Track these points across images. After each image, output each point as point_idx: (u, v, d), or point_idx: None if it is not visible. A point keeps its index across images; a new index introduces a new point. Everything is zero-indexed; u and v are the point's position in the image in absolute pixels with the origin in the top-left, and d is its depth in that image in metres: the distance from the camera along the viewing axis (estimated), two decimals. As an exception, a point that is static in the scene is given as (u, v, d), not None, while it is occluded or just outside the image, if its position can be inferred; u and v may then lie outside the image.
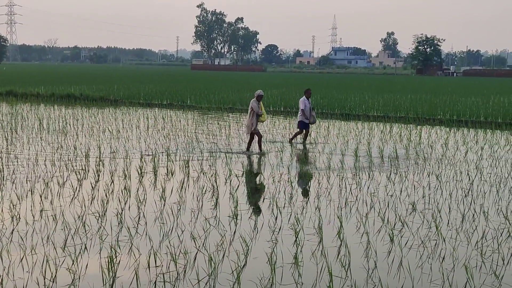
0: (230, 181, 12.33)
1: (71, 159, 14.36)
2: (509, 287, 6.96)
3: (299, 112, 18.72)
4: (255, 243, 8.41)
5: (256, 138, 16.60)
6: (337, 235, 8.62)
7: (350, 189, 11.92)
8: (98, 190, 11.25)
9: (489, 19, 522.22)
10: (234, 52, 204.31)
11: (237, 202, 10.18)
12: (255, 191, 11.52)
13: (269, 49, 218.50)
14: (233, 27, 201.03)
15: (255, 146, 16.69)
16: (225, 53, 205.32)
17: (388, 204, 10.75)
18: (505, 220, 9.64)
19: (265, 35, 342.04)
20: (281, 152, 16.26)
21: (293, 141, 18.59)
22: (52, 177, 12.26)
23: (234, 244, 8.28)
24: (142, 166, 13.21)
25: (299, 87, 49.19)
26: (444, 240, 8.57)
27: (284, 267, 7.45)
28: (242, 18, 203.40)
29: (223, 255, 7.83)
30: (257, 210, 10.11)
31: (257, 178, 12.54)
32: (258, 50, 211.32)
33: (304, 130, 18.72)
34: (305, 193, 11.60)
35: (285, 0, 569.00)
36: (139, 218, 9.47)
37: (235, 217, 9.51)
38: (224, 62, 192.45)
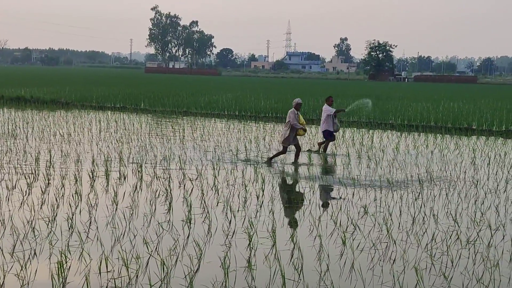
0: (184, 185, 12.25)
1: (21, 162, 14.05)
2: (458, 288, 7.10)
3: (322, 121, 17.97)
4: (209, 247, 8.37)
5: (295, 150, 15.86)
6: (291, 238, 8.65)
7: (304, 192, 11.99)
8: (48, 195, 11.02)
9: (439, 26, 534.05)
10: (189, 56, 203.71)
11: (190, 206, 10.11)
12: (209, 195, 11.46)
13: (224, 53, 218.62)
14: (187, 30, 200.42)
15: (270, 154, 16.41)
16: (180, 56, 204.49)
17: (341, 207, 10.85)
18: (454, 223, 9.84)
19: (220, 39, 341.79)
20: (235, 156, 16.25)
21: (325, 151, 17.84)
22: (0, 181, 11.97)
23: (187, 248, 8.23)
24: (93, 170, 13.02)
25: (254, 91, 49.33)
26: (395, 243, 8.70)
27: (237, 271, 7.43)
28: (197, 22, 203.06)
29: (176, 259, 7.77)
30: (211, 214, 10.06)
31: (212, 182, 12.49)
32: (213, 53, 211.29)
33: (331, 139, 18.04)
34: (259, 197, 11.60)
35: (240, 4, 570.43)
36: (90, 222, 9.31)
37: (188, 221, 9.45)
38: (178, 65, 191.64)
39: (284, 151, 15.75)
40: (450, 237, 9.06)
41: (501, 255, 8.28)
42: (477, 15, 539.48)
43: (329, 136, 17.96)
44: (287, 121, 15.67)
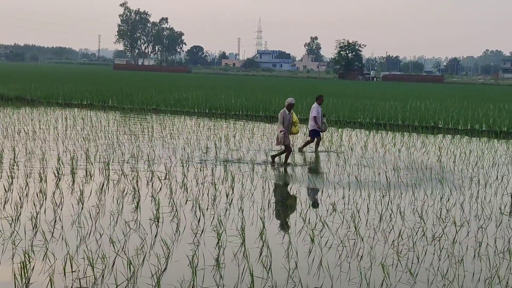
0: (152, 184, 12.16)
1: (-15, 161, 13.78)
2: (423, 284, 7.18)
3: (310, 120, 17.98)
4: (177, 246, 8.32)
5: (286, 150, 15.54)
6: (260, 236, 8.65)
7: (274, 190, 12.01)
8: (12, 193, 10.84)
9: (408, 26, 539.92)
10: (159, 53, 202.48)
11: (159, 204, 10.03)
12: (178, 193, 11.40)
13: (194, 50, 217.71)
14: (157, 27, 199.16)
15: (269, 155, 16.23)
16: (149, 53, 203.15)
17: (309, 205, 10.89)
18: (420, 220, 9.95)
19: (190, 36, 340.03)
20: (205, 154, 16.19)
21: (303, 149, 17.89)
22: (-37, 180, 11.73)
23: (155, 247, 8.17)
24: (59, 168, 12.84)
25: (224, 89, 49.25)
26: (363, 240, 8.76)
27: (205, 269, 7.40)
28: (166, 19, 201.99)
29: (143, 258, 7.70)
30: (179, 213, 10.00)
31: (181, 180, 12.42)
32: (183, 51, 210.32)
33: (315, 139, 18.06)
34: (229, 195, 11.56)
35: (211, 2, 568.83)
36: (55, 222, 9.18)
37: (156, 220, 9.39)
38: (148, 62, 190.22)
39: (288, 150, 15.47)
40: (416, 234, 9.16)
41: (466, 251, 8.39)
42: (444, 16, 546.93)
43: (314, 135, 18.01)
44: (279, 122, 15.47)
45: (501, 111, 33.21)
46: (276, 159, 15.63)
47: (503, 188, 13.05)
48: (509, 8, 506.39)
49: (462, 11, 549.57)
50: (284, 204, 10.92)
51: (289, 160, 15.43)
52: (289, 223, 9.58)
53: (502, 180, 13.96)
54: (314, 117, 17.90)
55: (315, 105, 18.19)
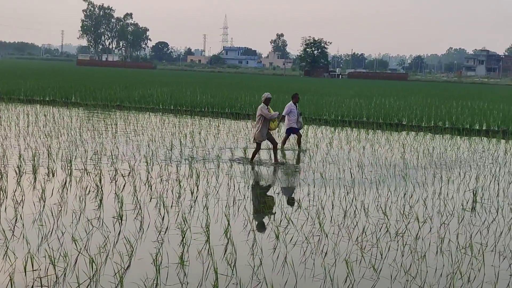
0: (116, 181, 12.03)
1: None
2: (386, 280, 7.24)
3: (286, 119, 17.73)
4: (141, 244, 8.24)
5: (272, 146, 15.30)
6: (224, 234, 8.62)
7: (239, 187, 11.98)
8: (-28, 191, 10.60)
9: (373, 24, 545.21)
10: (123, 48, 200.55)
11: (122, 202, 9.93)
12: (142, 191, 11.30)
13: (160, 47, 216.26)
14: (121, 22, 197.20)
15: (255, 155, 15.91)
16: (113, 49, 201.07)
17: (275, 201, 10.90)
18: (384, 216, 10.04)
19: (155, 32, 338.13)
20: (170, 151, 16.09)
21: (284, 146, 17.78)
22: None
23: (118, 245, 8.08)
24: (20, 166, 12.61)
25: (190, 85, 49.02)
26: (327, 236, 8.80)
27: (169, 267, 7.35)
28: (131, 14, 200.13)
29: (106, 257, 7.61)
30: (143, 210, 9.91)
31: (145, 178, 12.31)
32: (148, 47, 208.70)
33: (289, 135, 17.97)
34: (194, 192, 11.51)
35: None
36: (16, 220, 9.00)
37: (119, 218, 9.29)
38: (112, 58, 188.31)
39: (259, 148, 15.28)
40: (380, 230, 9.24)
41: (428, 247, 8.49)
42: (409, 14, 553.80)
43: (289, 132, 17.92)
44: (257, 117, 15.20)
45: (464, 109, 33.76)
46: (279, 156, 15.31)
47: (465, 184, 13.25)
48: (472, 7, 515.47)
49: (427, 10, 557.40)
50: (250, 201, 10.90)
51: (256, 158, 15.40)
52: (254, 220, 9.57)
53: (464, 176, 14.18)
54: (283, 115, 17.76)
55: (289, 103, 18.03)
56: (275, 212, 10.10)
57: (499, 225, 9.86)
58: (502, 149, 19.52)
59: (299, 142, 17.99)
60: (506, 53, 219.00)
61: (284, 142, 18.06)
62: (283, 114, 17.72)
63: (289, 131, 17.96)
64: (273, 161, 15.19)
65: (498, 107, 36.38)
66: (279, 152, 16.05)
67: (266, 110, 15.21)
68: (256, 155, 15.43)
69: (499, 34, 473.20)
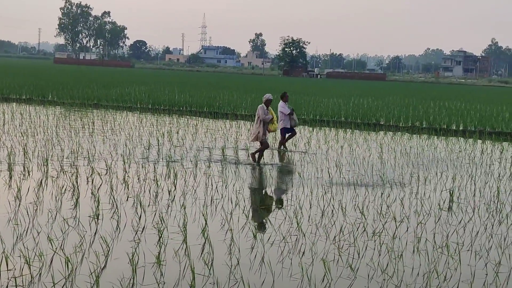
0: (92, 180, 11.92)
1: None
2: (363, 279, 7.26)
3: (280, 119, 17.52)
4: (117, 243, 8.18)
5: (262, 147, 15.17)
6: (202, 233, 8.58)
7: (216, 186, 11.95)
8: None
9: (351, 24, 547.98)
10: (101, 47, 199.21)
11: (98, 201, 9.84)
12: (119, 190, 11.21)
13: (138, 45, 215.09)
14: (99, 21, 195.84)
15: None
16: (91, 47, 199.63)
17: (253, 201, 10.88)
18: (361, 215, 10.08)
19: (133, 30, 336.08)
20: (147, 150, 15.99)
21: (281, 147, 17.70)
22: None
23: (94, 245, 8.00)
24: (-4, 164, 12.44)
25: (168, 84, 48.83)
26: (304, 235, 8.81)
27: (146, 267, 7.30)
28: (109, 12, 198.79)
29: (82, 256, 7.54)
30: (120, 210, 9.83)
31: (122, 177, 12.22)
32: (126, 45, 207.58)
33: (286, 136, 17.80)
34: (171, 192, 11.44)
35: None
36: (-9, 219, 8.88)
37: (96, 217, 9.20)
38: (89, 56, 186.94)
39: (264, 147, 15.12)
40: (357, 229, 9.27)
41: (405, 246, 8.54)
42: (387, 15, 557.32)
43: (286, 133, 17.77)
44: (256, 118, 15.02)
45: (441, 109, 34.06)
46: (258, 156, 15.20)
47: (442, 184, 13.36)
48: (450, 8, 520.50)
49: (405, 10, 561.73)
50: (227, 201, 10.87)
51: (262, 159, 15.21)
52: (232, 219, 9.54)
53: (441, 176, 14.30)
54: (283, 113, 17.64)
55: (282, 103, 17.84)
56: (253, 211, 10.08)
57: (475, 224, 9.95)
58: (478, 149, 19.72)
59: (284, 142, 17.78)
60: (483, 54, 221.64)
61: (282, 143, 17.80)
62: (288, 113, 17.53)
63: (284, 131, 17.76)
64: (251, 159, 15.14)
65: (475, 107, 36.78)
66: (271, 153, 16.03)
67: (265, 111, 15.02)
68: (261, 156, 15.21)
69: (476, 35, 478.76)
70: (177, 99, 32.54)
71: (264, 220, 9.51)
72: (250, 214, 9.86)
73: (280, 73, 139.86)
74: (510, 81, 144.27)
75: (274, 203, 10.71)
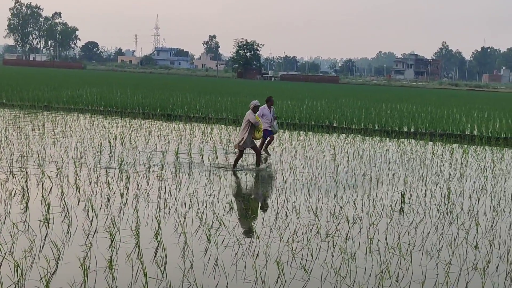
0: (43, 183, 11.67)
1: None
2: (317, 280, 7.30)
3: (263, 121, 16.82)
4: (68, 247, 8.02)
5: (255, 154, 14.88)
6: (155, 237, 8.50)
7: (170, 189, 11.85)
8: None
9: (305, 27, 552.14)
10: (51, 48, 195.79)
11: (49, 205, 9.64)
12: (70, 194, 11.00)
13: (89, 46, 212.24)
14: (50, 22, 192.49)
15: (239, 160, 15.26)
16: (42, 48, 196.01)
17: (207, 203, 10.83)
18: (315, 217, 10.14)
19: (85, 31, 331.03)
20: (99, 153, 15.76)
21: (268, 149, 17.41)
22: None
23: (45, 249, 7.83)
24: None
25: (120, 86, 48.27)
26: (258, 238, 8.81)
27: (97, 271, 7.18)
28: (60, 13, 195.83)
29: (32, 261, 7.36)
30: (71, 214, 9.65)
31: (73, 180, 12.00)
32: (77, 46, 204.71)
33: (266, 139, 17.23)
34: (124, 195, 11.29)
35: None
36: None
37: (46, 221, 9.01)
38: (40, 58, 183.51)
39: (241, 155, 14.87)
40: (311, 231, 9.32)
41: (358, 247, 8.62)
42: (340, 19, 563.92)
43: (266, 135, 17.19)
44: (245, 123, 14.75)
45: (393, 111, 34.60)
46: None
47: (394, 185, 13.56)
48: (400, 12, 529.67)
49: (357, 14, 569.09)
50: (181, 203, 10.79)
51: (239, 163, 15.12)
52: (185, 222, 9.47)
53: (393, 177, 14.51)
54: (265, 116, 17.13)
55: (263, 106, 17.27)
56: (207, 214, 10.03)
57: (426, 225, 10.12)
58: (429, 151, 20.10)
59: (266, 146, 17.48)
60: (434, 57, 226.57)
61: (263, 147, 17.40)
62: (261, 115, 16.94)
63: (267, 133, 17.22)
64: (257, 165, 15.01)
65: (426, 109, 37.51)
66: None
67: (253, 116, 14.80)
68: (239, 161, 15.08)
69: (427, 38, 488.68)
70: (130, 101, 32.21)
71: (217, 223, 9.46)
72: (204, 217, 9.80)
73: (234, 76, 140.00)
74: (460, 83, 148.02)
75: (228, 206, 10.67)
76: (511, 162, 17.98)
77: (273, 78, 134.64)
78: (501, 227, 10.21)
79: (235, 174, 14.14)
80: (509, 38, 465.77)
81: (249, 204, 10.92)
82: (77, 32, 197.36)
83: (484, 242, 9.19)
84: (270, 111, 17.40)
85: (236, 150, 15.40)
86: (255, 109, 15.12)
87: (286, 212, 10.46)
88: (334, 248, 8.55)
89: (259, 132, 15.09)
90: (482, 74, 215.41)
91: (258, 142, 16.23)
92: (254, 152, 15.43)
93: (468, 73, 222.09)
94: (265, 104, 17.46)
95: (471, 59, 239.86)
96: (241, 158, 15.23)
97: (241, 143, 14.71)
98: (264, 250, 8.27)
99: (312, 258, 8.06)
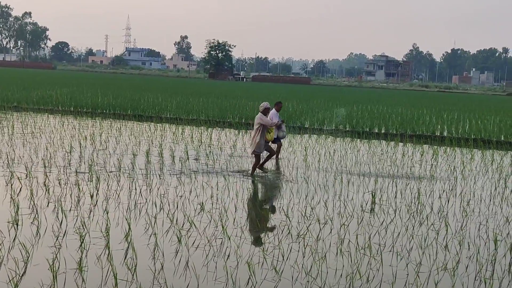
0: (11, 185, 11.50)
1: None
2: (288, 281, 7.31)
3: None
4: (37, 249, 7.92)
5: (269, 154, 14.53)
6: (125, 238, 8.43)
7: (140, 191, 11.77)
8: None
9: (276, 28, 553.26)
10: (21, 48, 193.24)
11: (18, 206, 9.51)
12: (39, 195, 10.86)
13: (60, 47, 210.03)
14: (20, 21, 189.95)
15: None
16: (11, 48, 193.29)
17: (177, 205, 10.78)
18: (286, 218, 10.16)
19: (55, 31, 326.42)
20: (69, 154, 15.58)
21: (279, 156, 17.05)
22: None
23: (13, 251, 7.72)
24: None
25: (91, 86, 47.83)
26: (230, 239, 8.79)
27: (67, 273, 7.10)
28: (30, 13, 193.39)
29: (0, 263, 7.25)
30: (40, 215, 9.52)
31: (42, 181, 11.84)
32: (47, 47, 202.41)
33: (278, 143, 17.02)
34: (94, 196, 11.18)
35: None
36: None
37: (15, 223, 8.88)
38: (10, 58, 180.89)
39: (258, 160, 14.42)
40: (282, 232, 9.33)
41: (329, 248, 8.66)
42: (311, 20, 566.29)
43: (276, 142, 16.99)
44: (256, 127, 14.30)
45: (364, 112, 34.85)
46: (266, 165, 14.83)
47: (364, 186, 13.64)
48: (372, 13, 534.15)
49: (329, 15, 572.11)
50: (151, 205, 10.72)
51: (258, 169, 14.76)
52: (156, 223, 9.42)
53: (363, 178, 14.61)
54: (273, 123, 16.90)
55: (273, 110, 16.87)
56: (177, 215, 9.98)
57: (396, 226, 10.20)
58: (399, 151, 20.29)
59: (277, 152, 17.15)
60: (405, 59, 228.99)
61: (279, 152, 17.21)
62: (277, 122, 16.34)
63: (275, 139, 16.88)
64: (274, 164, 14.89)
65: (397, 111, 37.86)
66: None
67: (264, 119, 14.45)
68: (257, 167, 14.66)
69: (397, 40, 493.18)
70: (100, 102, 31.93)
71: (189, 224, 9.42)
72: (175, 218, 9.75)
73: (205, 76, 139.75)
74: (431, 85, 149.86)
75: (199, 207, 10.63)
76: (480, 163, 18.24)
77: (244, 79, 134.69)
78: (471, 227, 10.35)
79: (253, 182, 13.81)
80: (479, 40, 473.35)
81: (220, 205, 10.89)
82: (47, 32, 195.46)
83: (454, 243, 9.31)
84: (278, 116, 16.95)
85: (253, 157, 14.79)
86: (265, 111, 14.61)
87: (258, 213, 10.45)
88: (305, 249, 8.57)
89: (271, 133, 14.80)
90: (452, 75, 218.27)
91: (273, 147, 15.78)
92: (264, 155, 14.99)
93: (439, 74, 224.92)
94: (274, 108, 17.02)
95: (442, 60, 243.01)
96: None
97: (255, 149, 14.28)
98: (235, 251, 8.26)
99: (283, 259, 8.08)
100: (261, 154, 14.52)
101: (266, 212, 10.53)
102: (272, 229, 9.46)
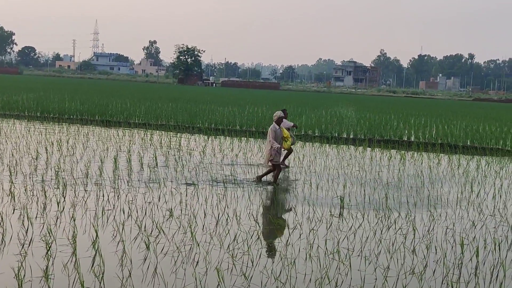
0: (-25, 192, 11.27)
1: None
2: (257, 287, 7.29)
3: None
4: (2, 257, 7.78)
5: (272, 169, 14.23)
6: (92, 245, 8.32)
7: (108, 197, 11.63)
8: None
9: (245, 33, 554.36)
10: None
11: (-19, 214, 9.32)
12: (4, 202, 10.66)
13: (26, 51, 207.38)
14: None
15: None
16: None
17: (146, 211, 10.69)
18: (255, 223, 10.14)
19: (21, 36, 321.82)
20: (35, 160, 15.35)
21: (285, 162, 16.88)
22: None
23: (-24, 260, 7.56)
24: None
25: (58, 91, 47.27)
26: (198, 245, 8.74)
27: (33, 281, 6.98)
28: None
29: (-38, 273, 7.09)
30: (5, 222, 9.34)
31: (8, 188, 11.63)
32: (13, 51, 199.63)
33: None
34: (60, 203, 11.01)
35: (44, 1, 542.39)
36: None
37: (-22, 231, 8.70)
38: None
39: (280, 168, 14.34)
40: (251, 237, 9.31)
41: (298, 253, 8.67)
42: (281, 25, 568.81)
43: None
44: (268, 139, 14.10)
45: (333, 118, 35.06)
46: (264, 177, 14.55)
47: (333, 191, 13.70)
48: (340, 19, 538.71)
49: (297, 21, 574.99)
50: (119, 211, 10.61)
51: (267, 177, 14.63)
52: (124, 230, 9.31)
53: (332, 183, 14.67)
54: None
55: (285, 120, 16.56)
56: (146, 222, 9.89)
57: (365, 230, 10.26)
58: (368, 156, 20.44)
59: (286, 156, 17.13)
60: (373, 65, 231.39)
61: (287, 156, 17.17)
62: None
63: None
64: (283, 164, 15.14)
65: (365, 116, 38.17)
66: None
67: (275, 132, 14.14)
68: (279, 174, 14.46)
69: (365, 46, 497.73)
70: (67, 107, 31.57)
71: (157, 231, 9.34)
72: (143, 225, 9.66)
73: (175, 81, 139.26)
74: (398, 90, 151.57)
75: (168, 213, 10.55)
76: (447, 168, 18.47)
77: (214, 84, 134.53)
78: (438, 231, 10.46)
79: (275, 189, 13.73)
80: (445, 46, 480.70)
81: (189, 211, 10.83)
82: (13, 37, 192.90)
83: (421, 247, 9.39)
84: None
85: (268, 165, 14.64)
86: (279, 120, 14.33)
87: (227, 219, 10.42)
88: (274, 254, 8.56)
89: (288, 141, 14.78)
90: (419, 81, 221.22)
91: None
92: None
93: (406, 80, 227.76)
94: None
95: (409, 66, 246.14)
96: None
97: (271, 158, 14.06)
98: (204, 257, 8.21)
99: (253, 265, 8.05)
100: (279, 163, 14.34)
101: (236, 217, 10.49)
102: (241, 234, 9.42)
